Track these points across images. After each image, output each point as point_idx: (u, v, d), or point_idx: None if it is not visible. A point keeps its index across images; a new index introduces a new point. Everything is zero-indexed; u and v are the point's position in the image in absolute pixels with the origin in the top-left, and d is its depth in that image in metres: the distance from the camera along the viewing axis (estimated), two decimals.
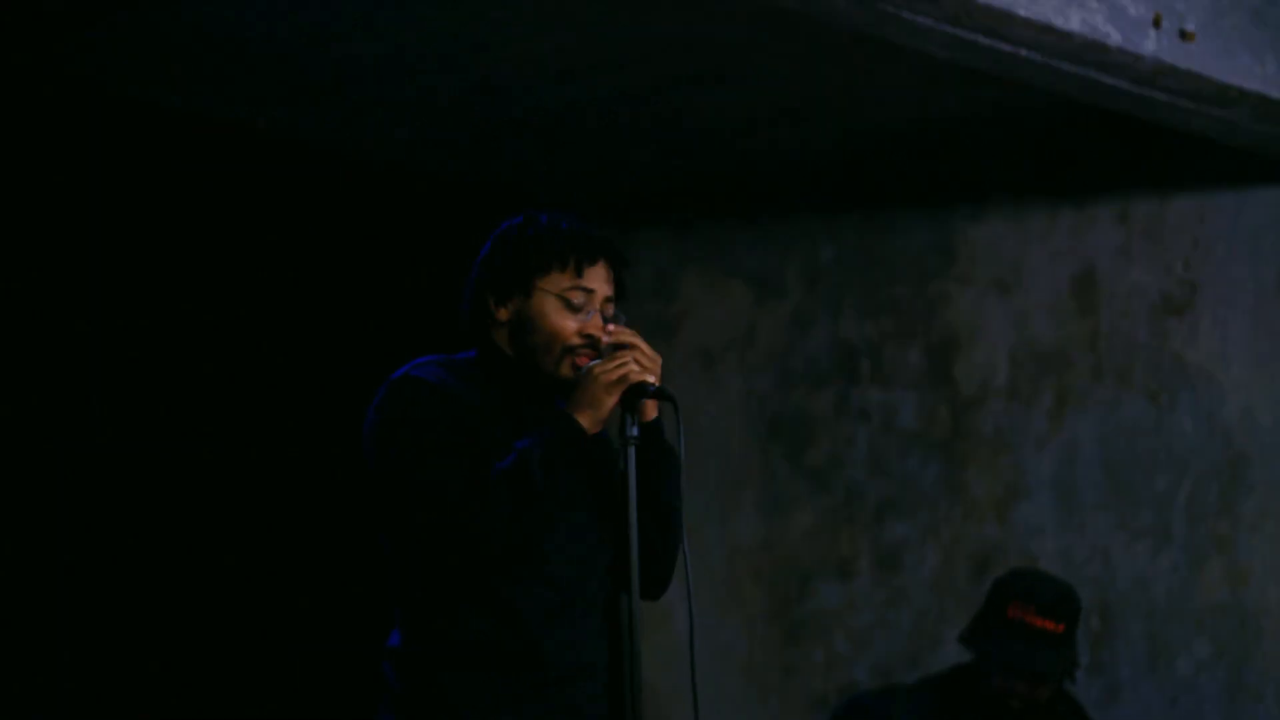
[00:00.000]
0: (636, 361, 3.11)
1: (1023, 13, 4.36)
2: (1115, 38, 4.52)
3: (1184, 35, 4.64)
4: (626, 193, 6.33)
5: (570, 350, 3.16)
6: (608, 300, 3.20)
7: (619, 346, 3.12)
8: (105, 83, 5.12)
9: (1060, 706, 4.77)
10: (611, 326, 3.16)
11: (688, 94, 5.45)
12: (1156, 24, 4.59)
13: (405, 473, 3.06)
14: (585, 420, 3.09)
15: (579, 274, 3.18)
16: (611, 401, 3.09)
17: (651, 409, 3.17)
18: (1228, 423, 5.45)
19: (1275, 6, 4.86)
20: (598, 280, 3.19)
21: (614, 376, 3.09)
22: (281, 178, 5.57)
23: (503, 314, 3.20)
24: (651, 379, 3.10)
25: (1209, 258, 5.53)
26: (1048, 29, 4.43)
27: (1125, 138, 5.60)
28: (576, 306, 3.17)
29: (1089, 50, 4.54)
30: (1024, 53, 4.54)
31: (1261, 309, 5.44)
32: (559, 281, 3.18)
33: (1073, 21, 4.45)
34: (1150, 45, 4.59)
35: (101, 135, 5.15)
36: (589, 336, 3.16)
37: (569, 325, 3.16)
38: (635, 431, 3.10)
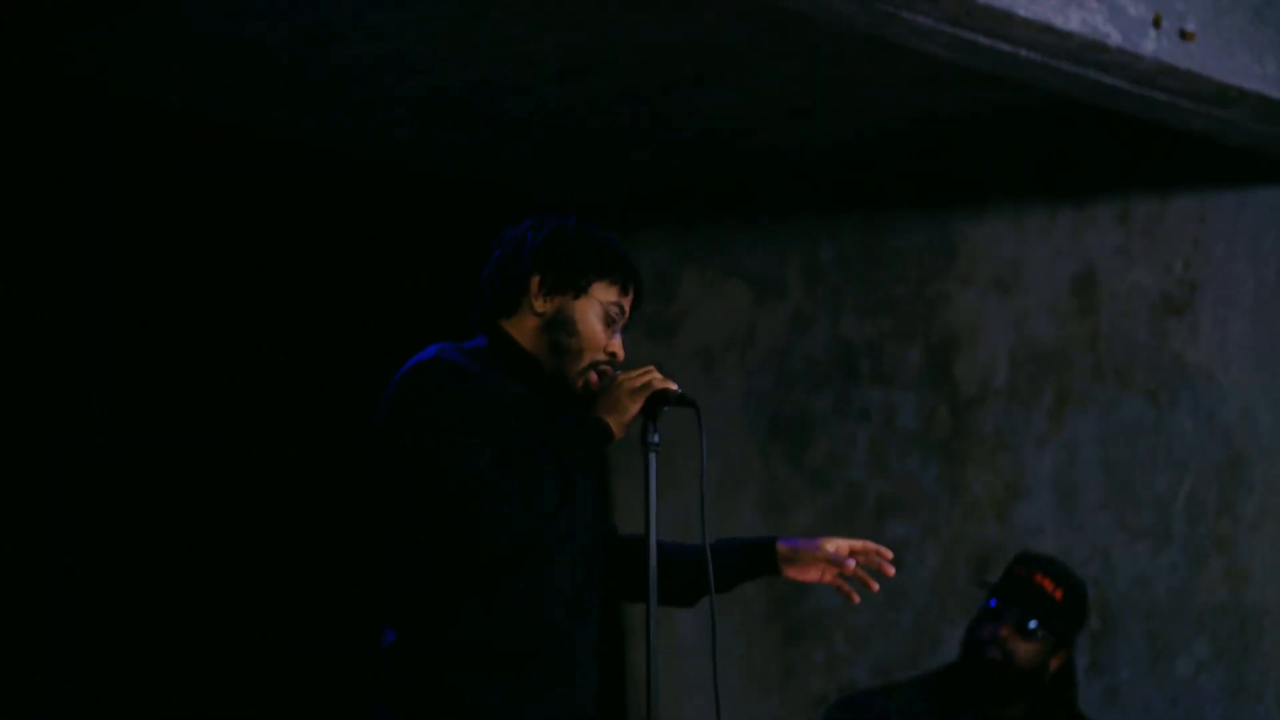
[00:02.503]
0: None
1: (1023, 13, 4.36)
2: (1115, 38, 4.52)
3: (1184, 35, 4.64)
4: (626, 193, 6.33)
5: (593, 364, 3.19)
6: (625, 327, 3.26)
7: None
8: (105, 83, 5.12)
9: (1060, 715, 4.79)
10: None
11: (688, 94, 5.45)
12: (1156, 24, 4.59)
13: (446, 456, 3.02)
14: (612, 425, 3.13)
15: (624, 291, 3.24)
16: (635, 408, 3.14)
17: None
18: (1228, 423, 5.45)
19: (1275, 7, 4.86)
20: (629, 305, 3.26)
21: (638, 384, 3.14)
22: (281, 178, 5.57)
23: (542, 305, 3.21)
24: (674, 386, 3.13)
25: (1209, 258, 5.53)
26: (1048, 29, 4.43)
27: (1125, 138, 5.60)
28: (612, 320, 3.22)
29: (1089, 50, 4.54)
30: (1024, 53, 4.54)
31: (1261, 309, 5.44)
32: (608, 292, 3.23)
33: (1073, 21, 4.45)
34: (1150, 45, 4.59)
35: (101, 135, 5.15)
36: (613, 354, 3.20)
37: (602, 337, 3.20)
38: (656, 439, 3.12)
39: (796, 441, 6.18)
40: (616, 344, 3.23)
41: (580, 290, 3.20)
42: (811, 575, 3.35)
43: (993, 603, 4.69)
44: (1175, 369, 5.56)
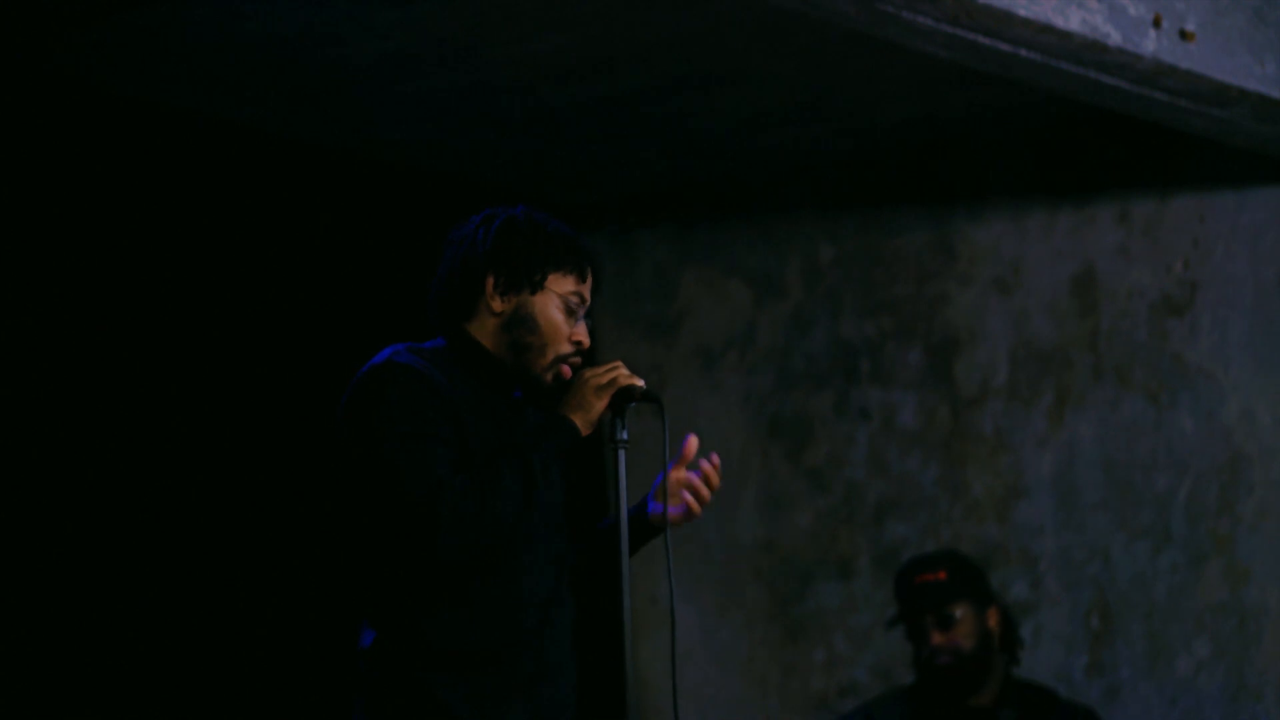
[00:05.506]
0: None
1: (1022, 13, 4.36)
2: (1115, 38, 4.52)
3: (1184, 35, 4.64)
4: (626, 193, 6.33)
5: (561, 357, 3.17)
6: (587, 314, 3.22)
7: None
8: (105, 83, 5.12)
9: (1030, 693, 4.88)
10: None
11: (688, 94, 5.45)
12: (1156, 24, 4.59)
13: (403, 461, 3.00)
14: (578, 422, 3.10)
15: (582, 280, 3.21)
16: (601, 405, 3.11)
17: None
18: (1228, 423, 5.45)
19: (1275, 7, 4.86)
20: (588, 291, 3.23)
21: (604, 380, 3.11)
22: (281, 178, 5.57)
23: (500, 305, 3.18)
24: (640, 383, 3.11)
25: (1209, 257, 5.54)
26: (1047, 29, 4.43)
27: (1125, 138, 5.60)
28: (573, 310, 3.19)
29: (1089, 50, 4.54)
30: (1024, 53, 4.54)
31: (1261, 309, 5.44)
32: (565, 283, 3.19)
33: (1073, 21, 4.45)
34: (1150, 45, 4.59)
35: (101, 135, 5.15)
36: (578, 344, 3.18)
37: (564, 329, 3.17)
38: (624, 435, 3.11)
39: (796, 441, 6.18)
40: (581, 332, 3.20)
41: (537, 286, 3.17)
42: (673, 506, 3.27)
43: (907, 627, 4.87)
44: (1175, 369, 5.56)
